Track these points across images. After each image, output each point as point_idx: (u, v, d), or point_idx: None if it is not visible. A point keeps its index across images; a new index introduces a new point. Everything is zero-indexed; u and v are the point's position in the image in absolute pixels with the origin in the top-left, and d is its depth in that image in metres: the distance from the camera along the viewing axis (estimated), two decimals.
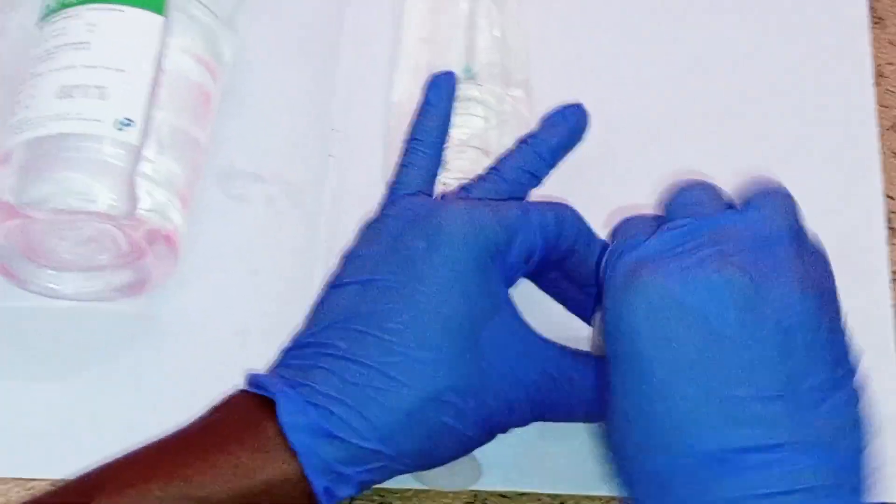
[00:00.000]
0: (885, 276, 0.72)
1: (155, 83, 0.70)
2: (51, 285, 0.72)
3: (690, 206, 0.59)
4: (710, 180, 0.60)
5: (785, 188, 0.59)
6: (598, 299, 0.65)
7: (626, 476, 0.57)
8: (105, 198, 0.67)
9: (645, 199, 0.74)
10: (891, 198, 0.75)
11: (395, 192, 0.67)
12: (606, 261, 0.59)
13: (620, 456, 0.57)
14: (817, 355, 0.54)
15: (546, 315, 0.67)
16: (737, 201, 0.59)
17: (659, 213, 0.60)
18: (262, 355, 0.67)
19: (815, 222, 0.72)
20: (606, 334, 0.57)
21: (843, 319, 0.57)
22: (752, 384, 0.53)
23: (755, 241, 0.56)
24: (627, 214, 0.61)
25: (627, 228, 0.60)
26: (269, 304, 0.73)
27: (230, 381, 0.64)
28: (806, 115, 0.77)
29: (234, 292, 0.73)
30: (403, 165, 0.68)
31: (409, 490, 0.67)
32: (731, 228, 0.57)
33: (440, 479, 0.66)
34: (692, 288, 0.55)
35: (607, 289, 0.57)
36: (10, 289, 0.72)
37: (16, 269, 0.71)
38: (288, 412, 0.59)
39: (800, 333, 0.54)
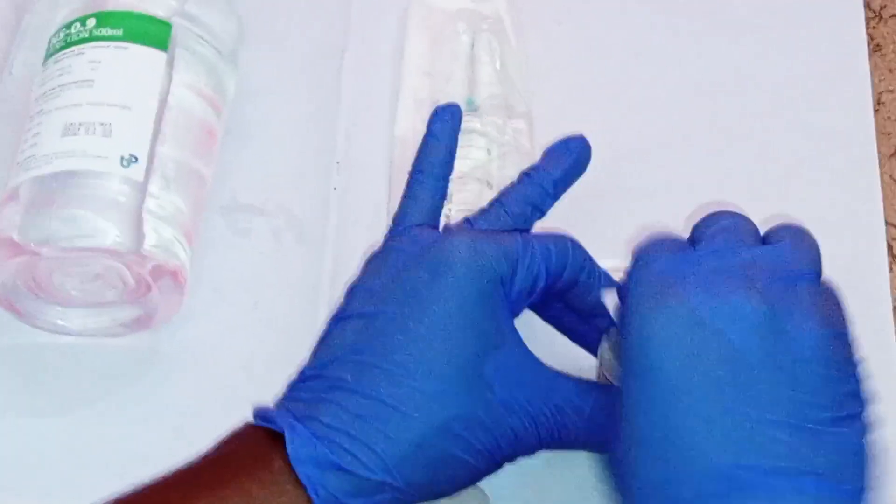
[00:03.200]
0: (888, 304, 0.73)
1: (159, 119, 0.71)
2: (57, 321, 0.72)
3: (722, 232, 0.59)
4: (740, 210, 0.61)
5: (810, 232, 0.60)
6: (601, 330, 0.66)
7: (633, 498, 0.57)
8: (111, 234, 0.68)
9: (645, 228, 0.74)
10: (892, 225, 0.75)
11: (400, 224, 0.67)
12: (631, 271, 0.59)
13: (629, 475, 0.57)
14: (827, 390, 0.55)
15: (549, 345, 0.67)
16: (763, 235, 0.60)
17: (683, 235, 0.61)
18: (267, 388, 0.67)
19: None
20: (625, 346, 0.57)
21: (856, 359, 0.57)
22: (764, 408, 0.54)
23: (780, 275, 0.57)
24: (651, 232, 0.61)
25: (657, 244, 0.60)
26: (273, 337, 0.73)
27: (236, 414, 0.64)
28: (807, 143, 0.77)
29: (238, 325, 0.74)
30: (408, 198, 0.68)
31: None
32: (760, 260, 0.58)
33: None
34: (718, 310, 0.56)
35: (631, 299, 0.58)
36: (17, 325, 0.72)
37: (23, 305, 0.71)
38: (296, 445, 0.59)
39: (813, 366, 0.55)
